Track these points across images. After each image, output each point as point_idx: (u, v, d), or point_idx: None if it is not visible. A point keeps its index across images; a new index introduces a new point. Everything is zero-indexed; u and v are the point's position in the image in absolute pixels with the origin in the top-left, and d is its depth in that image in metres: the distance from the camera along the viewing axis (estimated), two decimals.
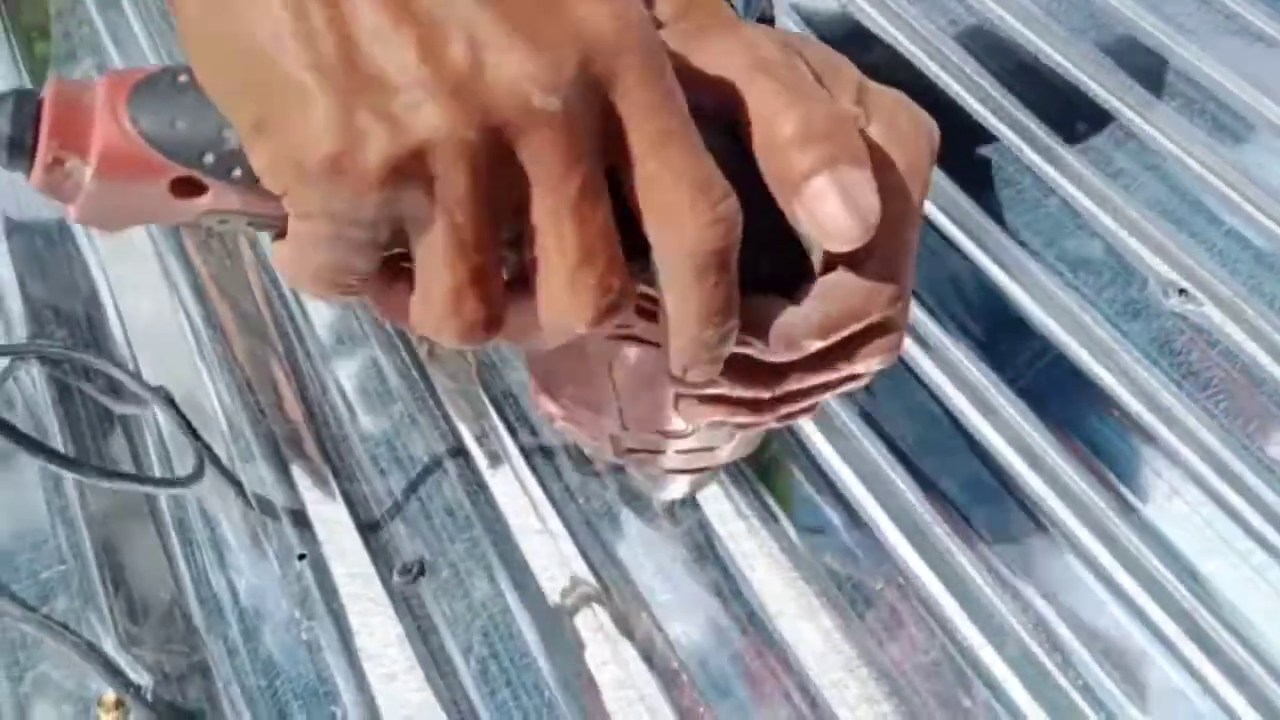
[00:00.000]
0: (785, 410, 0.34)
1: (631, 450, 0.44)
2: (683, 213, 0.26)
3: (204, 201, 0.28)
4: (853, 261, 0.30)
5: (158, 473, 0.69)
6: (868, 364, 0.32)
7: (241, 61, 0.25)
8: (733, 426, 0.38)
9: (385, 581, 0.64)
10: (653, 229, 0.27)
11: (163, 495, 0.68)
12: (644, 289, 0.29)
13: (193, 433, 0.68)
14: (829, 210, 0.28)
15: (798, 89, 0.29)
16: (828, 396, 0.35)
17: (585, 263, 0.26)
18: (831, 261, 0.30)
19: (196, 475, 0.66)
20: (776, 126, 0.29)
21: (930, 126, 0.33)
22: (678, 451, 0.43)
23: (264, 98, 0.25)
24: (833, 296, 0.30)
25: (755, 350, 0.31)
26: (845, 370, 0.32)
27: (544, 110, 0.25)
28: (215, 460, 0.68)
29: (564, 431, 0.45)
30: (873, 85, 0.33)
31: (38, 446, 0.56)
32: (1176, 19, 0.86)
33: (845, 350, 0.32)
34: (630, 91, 0.25)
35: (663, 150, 0.26)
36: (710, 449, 0.44)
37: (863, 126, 0.31)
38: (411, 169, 0.24)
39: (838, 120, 0.29)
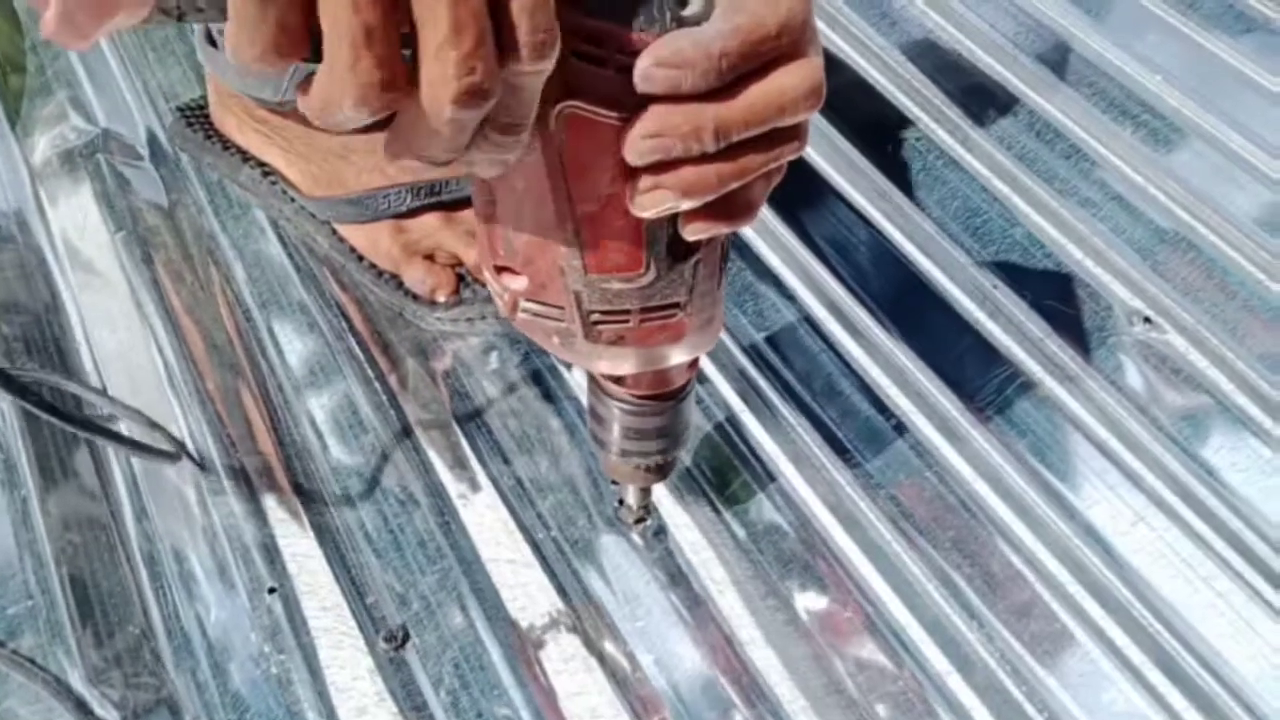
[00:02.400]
0: (732, 175, 0.36)
1: (601, 320, 0.44)
2: None
3: None
4: None
5: (125, 501, 0.69)
6: (792, 98, 0.35)
7: None
8: (680, 224, 0.39)
9: (356, 614, 0.64)
10: None
11: (144, 462, 0.69)
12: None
13: (166, 433, 0.68)
14: None
15: None
16: (769, 164, 0.37)
17: (453, 35, 0.29)
18: None
19: (176, 455, 0.67)
20: None
21: None
22: (644, 318, 0.43)
23: None
24: (734, 8, 0.33)
25: (686, 79, 0.33)
26: (769, 106, 0.35)
27: None
28: (187, 452, 0.69)
29: (529, 327, 0.45)
30: None
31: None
32: (1140, 51, 0.88)
33: (759, 81, 0.35)
34: None
35: None
36: (674, 307, 0.43)
37: None
38: None
39: None
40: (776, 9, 0.33)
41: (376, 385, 0.74)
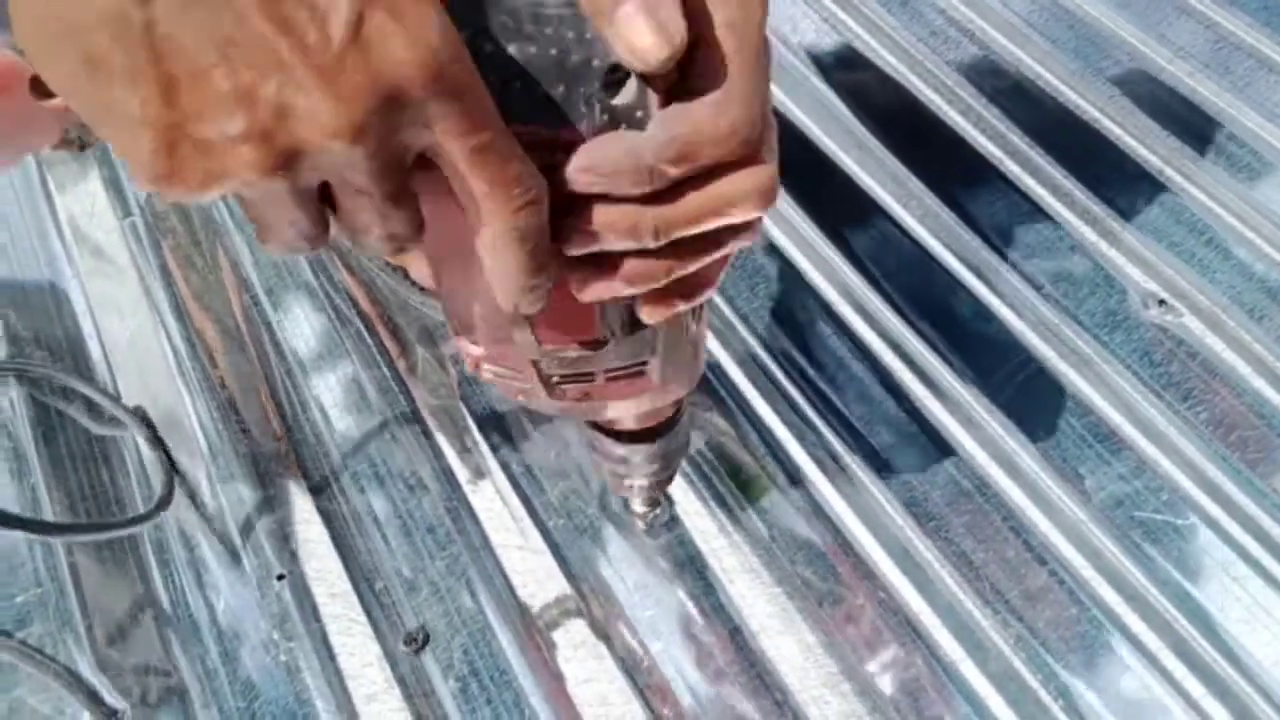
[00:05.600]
0: (679, 266, 0.35)
1: (563, 381, 0.42)
2: (503, 206, 0.30)
3: (60, 102, 0.29)
4: (694, 93, 0.32)
5: (135, 489, 0.69)
6: (739, 203, 0.33)
7: (79, 69, 0.27)
8: (637, 302, 0.37)
9: (365, 601, 0.64)
10: (478, 215, 0.31)
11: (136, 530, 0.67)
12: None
13: (166, 454, 0.67)
14: (635, 29, 0.30)
15: None
16: (717, 254, 0.35)
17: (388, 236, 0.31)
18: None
19: (162, 504, 0.66)
20: None
21: None
22: (609, 378, 0.42)
23: (101, 105, 0.27)
24: (675, 118, 0.31)
25: (617, 186, 0.32)
26: (714, 211, 0.33)
27: (344, 153, 0.28)
28: (184, 484, 0.68)
29: (495, 382, 0.44)
30: None
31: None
32: (1158, 29, 0.87)
33: (709, 183, 0.32)
34: (438, 120, 0.28)
35: (480, 163, 0.30)
36: (640, 365, 0.42)
37: None
38: (231, 184, 0.28)
39: None
40: (718, 122, 0.31)
41: (385, 370, 0.73)
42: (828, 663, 0.60)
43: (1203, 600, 0.60)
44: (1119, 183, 0.78)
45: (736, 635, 0.61)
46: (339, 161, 0.28)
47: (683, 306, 0.37)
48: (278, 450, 0.70)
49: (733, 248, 0.35)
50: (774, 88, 0.87)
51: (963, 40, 0.89)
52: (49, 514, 0.68)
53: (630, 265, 0.34)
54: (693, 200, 0.33)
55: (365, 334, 0.75)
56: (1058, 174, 0.79)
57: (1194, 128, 0.81)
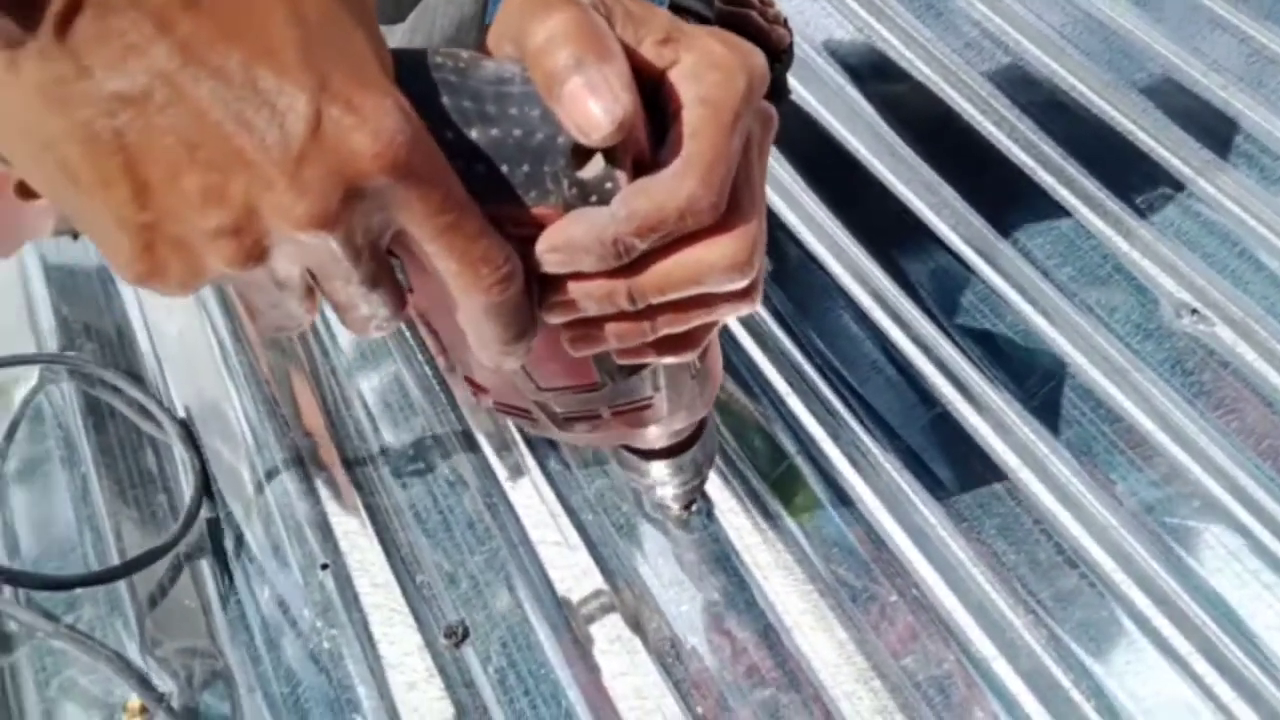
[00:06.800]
0: (663, 325, 0.35)
1: (570, 419, 0.43)
2: (473, 284, 0.31)
3: (45, 201, 0.30)
4: (662, 165, 0.32)
5: (183, 480, 0.70)
6: (708, 273, 0.33)
7: (56, 178, 0.28)
8: (619, 354, 0.37)
9: (406, 592, 0.65)
10: (451, 292, 0.31)
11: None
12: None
13: (202, 467, 0.69)
14: (579, 105, 0.30)
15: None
16: (707, 318, 0.36)
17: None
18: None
19: (189, 519, 0.68)
20: (534, 42, 0.31)
21: (749, 52, 0.34)
22: (615, 412, 0.43)
23: (79, 210, 0.28)
24: (635, 193, 0.32)
25: (586, 264, 0.32)
26: (685, 280, 0.33)
27: (315, 242, 0.28)
28: (211, 499, 0.70)
29: (502, 416, 0.45)
30: (690, 26, 0.34)
31: None
32: (1192, 42, 0.87)
33: (678, 251, 0.33)
34: (406, 205, 0.29)
35: (447, 244, 0.30)
36: (645, 401, 0.43)
37: (672, 60, 0.33)
38: (212, 277, 0.29)
39: (583, 24, 0.31)
40: (676, 195, 0.32)
41: (425, 368, 0.75)
42: (860, 659, 0.61)
43: (1233, 605, 0.61)
44: (1151, 193, 0.79)
45: (770, 631, 0.62)
46: (312, 250, 0.29)
47: (657, 361, 0.38)
48: (321, 444, 0.72)
49: (724, 313, 0.36)
50: (808, 95, 0.88)
51: (996, 51, 0.90)
52: (98, 501, 0.69)
53: (614, 325, 0.35)
54: (660, 269, 0.33)
55: (406, 331, 0.77)
56: (1090, 184, 0.80)
57: (1227, 140, 0.81)
